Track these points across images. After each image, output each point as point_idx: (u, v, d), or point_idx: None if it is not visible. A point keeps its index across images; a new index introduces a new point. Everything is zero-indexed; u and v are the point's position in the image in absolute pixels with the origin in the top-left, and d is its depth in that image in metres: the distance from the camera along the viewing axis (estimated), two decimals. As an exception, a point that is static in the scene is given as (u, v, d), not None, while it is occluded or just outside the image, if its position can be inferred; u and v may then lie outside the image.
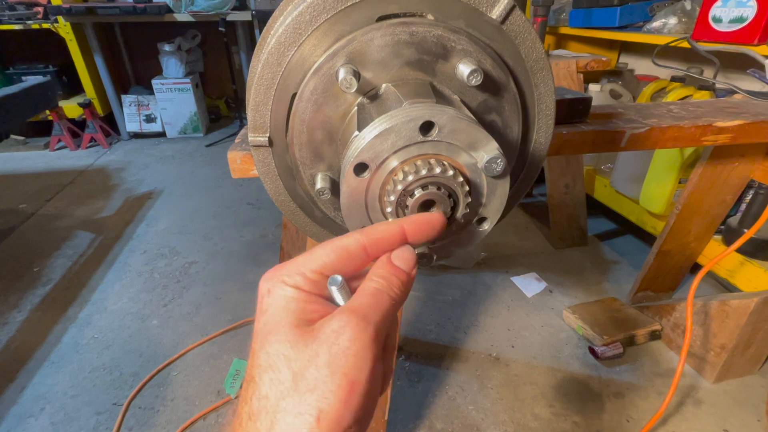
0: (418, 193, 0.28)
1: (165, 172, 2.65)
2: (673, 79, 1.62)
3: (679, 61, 1.82)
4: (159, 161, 2.82)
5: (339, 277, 0.25)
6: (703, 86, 1.46)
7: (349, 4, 0.33)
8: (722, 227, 1.30)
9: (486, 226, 0.32)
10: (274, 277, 0.26)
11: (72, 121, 3.01)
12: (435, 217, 0.28)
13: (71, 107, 2.97)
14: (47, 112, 2.74)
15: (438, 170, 0.27)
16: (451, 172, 0.28)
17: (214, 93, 3.70)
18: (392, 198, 0.28)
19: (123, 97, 3.13)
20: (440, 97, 0.34)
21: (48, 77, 2.92)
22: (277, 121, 0.37)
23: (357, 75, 0.32)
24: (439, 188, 0.28)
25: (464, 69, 0.32)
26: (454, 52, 0.34)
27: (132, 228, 1.98)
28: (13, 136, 3.04)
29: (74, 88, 3.14)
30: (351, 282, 0.27)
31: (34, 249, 1.82)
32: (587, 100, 0.73)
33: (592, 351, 1.23)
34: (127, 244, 1.85)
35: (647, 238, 1.75)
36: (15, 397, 1.14)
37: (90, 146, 3.05)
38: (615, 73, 2.05)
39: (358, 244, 0.26)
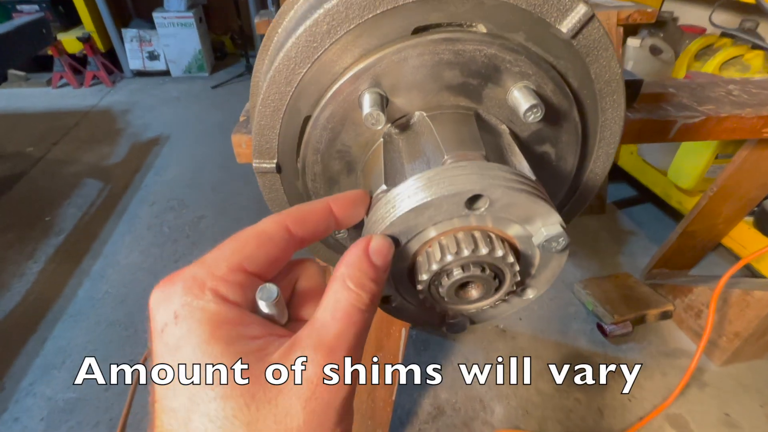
0: (457, 273, 0.23)
1: (171, 114, 2.56)
2: (723, 34, 1.45)
3: (734, 13, 1.62)
4: (164, 103, 2.72)
5: (275, 289, 0.20)
6: (757, 46, 1.32)
7: (378, 11, 0.25)
8: (756, 209, 1.23)
9: (531, 296, 0.28)
10: (178, 291, 0.18)
11: (73, 57, 2.86)
12: (360, 195, 0.25)
13: (71, 41, 2.81)
14: (45, 46, 2.60)
15: (484, 251, 0.22)
16: (500, 253, 0.22)
17: (218, 28, 3.47)
18: (424, 277, 0.23)
19: (123, 31, 2.95)
20: (486, 131, 0.27)
21: (42, 12, 2.74)
22: (286, 145, 0.31)
23: (384, 104, 0.26)
24: (483, 269, 0.23)
25: (521, 101, 0.26)
26: (509, 75, 0.27)
27: (140, 177, 1.95)
28: (13, 72, 2.92)
29: (72, 19, 2.95)
30: (277, 277, 0.22)
31: (45, 196, 1.81)
32: (638, 84, 0.64)
33: (600, 328, 1.22)
34: (135, 194, 1.83)
35: (667, 207, 1.67)
36: (38, 349, 1.18)
37: (93, 84, 2.94)
38: (656, 24, 1.84)
39: (279, 225, 0.21)
